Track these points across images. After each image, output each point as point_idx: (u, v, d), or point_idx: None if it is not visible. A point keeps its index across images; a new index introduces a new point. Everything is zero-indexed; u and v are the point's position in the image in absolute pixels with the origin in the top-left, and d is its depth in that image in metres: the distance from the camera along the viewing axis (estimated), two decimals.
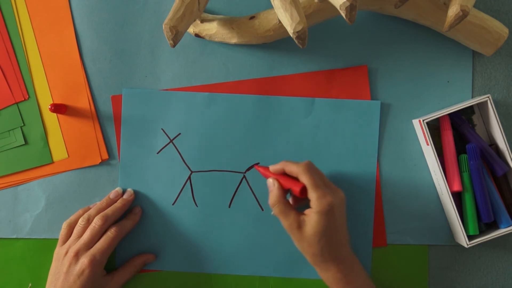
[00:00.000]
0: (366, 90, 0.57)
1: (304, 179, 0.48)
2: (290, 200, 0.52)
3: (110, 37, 0.58)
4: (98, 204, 0.55)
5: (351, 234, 0.56)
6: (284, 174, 0.51)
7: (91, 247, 0.52)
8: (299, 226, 0.48)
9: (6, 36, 0.57)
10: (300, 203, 0.52)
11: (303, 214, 0.48)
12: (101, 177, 0.57)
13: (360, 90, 0.57)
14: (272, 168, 0.51)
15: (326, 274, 0.49)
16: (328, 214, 0.47)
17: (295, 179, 0.49)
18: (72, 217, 0.55)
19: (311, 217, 0.47)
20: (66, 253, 0.52)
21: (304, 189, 0.48)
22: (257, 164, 0.56)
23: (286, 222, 0.48)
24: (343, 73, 0.57)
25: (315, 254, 0.48)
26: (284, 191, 0.50)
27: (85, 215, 0.54)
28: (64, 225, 0.54)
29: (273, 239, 0.57)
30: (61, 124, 0.57)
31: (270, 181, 0.50)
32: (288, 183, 0.49)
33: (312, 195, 0.47)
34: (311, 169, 0.49)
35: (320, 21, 0.54)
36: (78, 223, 0.53)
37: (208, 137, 0.57)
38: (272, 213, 0.49)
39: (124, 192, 0.57)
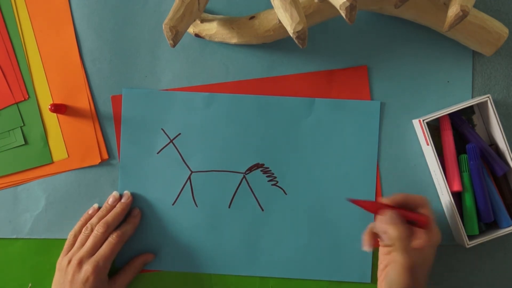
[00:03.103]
0: (366, 90, 0.57)
1: (428, 212, 0.47)
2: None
3: (110, 37, 0.58)
4: (99, 212, 0.55)
5: (351, 234, 0.56)
6: (396, 206, 0.48)
7: (94, 254, 0.52)
8: (419, 263, 0.46)
9: (6, 36, 0.57)
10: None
11: (418, 250, 0.46)
12: (101, 177, 0.57)
13: (360, 90, 0.57)
14: (389, 201, 0.48)
15: None
16: (435, 249, 0.47)
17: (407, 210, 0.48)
18: (76, 227, 0.55)
19: (429, 251, 0.47)
20: (70, 262, 0.52)
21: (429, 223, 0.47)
22: (350, 198, 0.50)
23: (410, 259, 0.45)
24: (343, 73, 0.57)
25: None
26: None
27: (88, 225, 0.54)
28: (70, 235, 0.55)
29: (273, 239, 0.56)
30: (61, 124, 0.57)
31: (391, 214, 0.47)
32: (410, 215, 0.47)
33: (433, 229, 0.47)
34: (429, 203, 0.48)
35: (320, 21, 0.54)
36: (82, 233, 0.54)
37: (208, 137, 0.57)
38: (382, 244, 0.47)
39: (121, 195, 0.57)
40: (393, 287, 0.46)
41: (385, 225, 0.46)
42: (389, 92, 0.57)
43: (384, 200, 0.49)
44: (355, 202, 0.49)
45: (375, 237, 0.50)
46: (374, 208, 0.48)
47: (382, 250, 0.50)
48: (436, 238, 0.47)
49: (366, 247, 0.49)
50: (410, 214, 0.48)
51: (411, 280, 0.45)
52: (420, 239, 0.47)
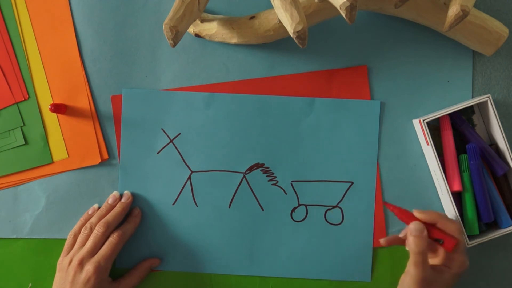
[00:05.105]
0: (366, 90, 0.57)
1: (459, 239, 0.47)
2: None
3: (110, 37, 0.58)
4: (99, 211, 0.55)
5: (351, 234, 0.56)
6: (428, 223, 0.48)
7: (95, 254, 0.52)
8: (431, 281, 0.46)
9: (6, 36, 0.57)
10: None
11: (435, 269, 0.47)
12: (101, 177, 0.57)
13: (360, 90, 0.57)
14: (421, 216, 0.49)
15: None
16: (459, 278, 0.47)
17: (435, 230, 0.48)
18: (76, 227, 0.55)
19: (447, 276, 0.47)
20: (70, 262, 0.52)
21: (455, 247, 0.47)
22: (385, 202, 0.51)
23: (422, 274, 0.46)
24: (343, 73, 0.57)
25: None
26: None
27: (87, 224, 0.54)
28: (70, 235, 0.54)
29: (273, 239, 0.57)
30: (61, 124, 0.57)
31: (419, 226, 0.47)
32: (439, 235, 0.48)
33: (459, 256, 0.47)
34: (463, 231, 0.48)
35: (320, 21, 0.54)
36: (81, 232, 0.53)
37: (208, 137, 0.57)
38: (411, 255, 0.47)
39: (121, 195, 0.57)
40: None
41: (408, 235, 0.47)
42: (389, 92, 0.57)
43: (418, 213, 0.49)
44: (389, 206, 0.50)
45: (396, 241, 0.50)
46: (404, 217, 0.49)
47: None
48: (460, 265, 0.47)
49: (382, 241, 0.50)
50: (439, 232, 0.48)
51: None
52: (439, 259, 0.48)
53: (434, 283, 0.46)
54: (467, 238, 0.53)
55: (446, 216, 0.49)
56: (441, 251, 0.49)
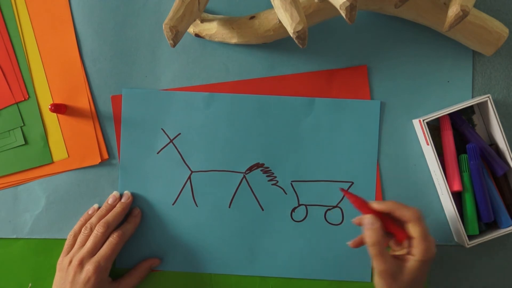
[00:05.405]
0: (366, 90, 0.57)
1: (417, 228, 0.46)
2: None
3: (110, 37, 0.58)
4: (99, 211, 0.55)
5: (351, 234, 0.56)
6: (384, 214, 0.48)
7: (95, 254, 0.52)
8: (395, 272, 0.46)
9: (6, 36, 0.57)
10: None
11: (398, 259, 0.47)
12: (101, 177, 0.57)
13: (360, 90, 0.57)
14: (378, 206, 0.48)
15: None
16: (428, 264, 0.46)
17: (393, 221, 0.48)
18: (76, 227, 0.55)
19: (412, 264, 0.46)
20: (70, 262, 0.52)
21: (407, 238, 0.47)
22: (342, 188, 0.50)
23: (382, 266, 0.46)
24: (343, 73, 0.57)
25: None
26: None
27: (87, 224, 0.54)
28: (70, 235, 0.54)
29: (273, 239, 0.57)
30: (61, 124, 0.57)
31: (370, 219, 0.47)
32: (391, 227, 0.48)
33: (420, 244, 0.46)
34: (422, 217, 0.47)
35: (320, 21, 0.54)
36: (81, 232, 0.53)
37: (208, 137, 0.57)
38: (369, 252, 0.46)
39: (121, 195, 0.57)
40: None
41: (365, 229, 0.47)
42: (389, 92, 0.57)
43: (375, 204, 0.49)
44: (346, 193, 0.50)
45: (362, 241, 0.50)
46: (359, 206, 0.49)
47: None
48: (423, 252, 0.46)
49: (350, 243, 0.51)
50: (391, 226, 0.48)
51: (391, 287, 0.46)
52: (402, 248, 0.48)
53: (399, 273, 0.46)
54: (466, 237, 0.53)
55: (402, 205, 0.48)
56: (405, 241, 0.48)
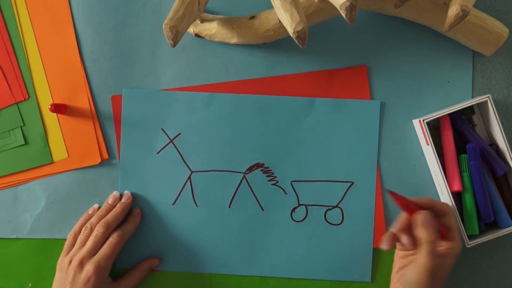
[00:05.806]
0: (366, 90, 0.57)
1: (452, 221, 0.49)
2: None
3: (110, 37, 0.58)
4: (99, 211, 0.55)
5: (351, 234, 0.56)
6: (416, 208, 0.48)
7: (95, 254, 0.52)
8: (438, 268, 0.46)
9: (6, 36, 0.57)
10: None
11: (438, 256, 0.47)
12: (101, 177, 0.57)
13: (360, 90, 0.57)
14: (420, 202, 0.49)
15: None
16: (456, 259, 0.48)
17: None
18: (76, 227, 0.55)
19: (451, 259, 0.48)
20: (70, 262, 0.52)
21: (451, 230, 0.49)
22: (389, 190, 0.50)
23: (432, 263, 0.46)
24: (343, 73, 0.57)
25: None
26: None
27: (87, 224, 0.54)
28: (70, 235, 0.54)
29: (273, 239, 0.57)
30: (61, 124, 0.57)
31: (427, 215, 0.47)
32: (436, 223, 0.48)
33: (457, 236, 0.48)
34: (455, 209, 0.50)
35: (320, 21, 0.54)
36: (81, 232, 0.53)
37: (208, 137, 0.57)
38: (399, 247, 0.48)
39: (121, 195, 0.57)
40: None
41: (418, 226, 0.47)
42: (389, 92, 0.57)
43: (418, 201, 0.49)
44: (393, 194, 0.48)
45: (395, 239, 0.49)
46: (407, 207, 0.48)
47: (398, 253, 0.51)
48: (458, 247, 0.48)
49: (384, 246, 0.48)
50: (436, 221, 0.48)
51: (431, 284, 0.46)
52: (444, 246, 0.49)
53: (439, 269, 0.47)
54: (466, 237, 0.53)
55: (437, 201, 0.50)
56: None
